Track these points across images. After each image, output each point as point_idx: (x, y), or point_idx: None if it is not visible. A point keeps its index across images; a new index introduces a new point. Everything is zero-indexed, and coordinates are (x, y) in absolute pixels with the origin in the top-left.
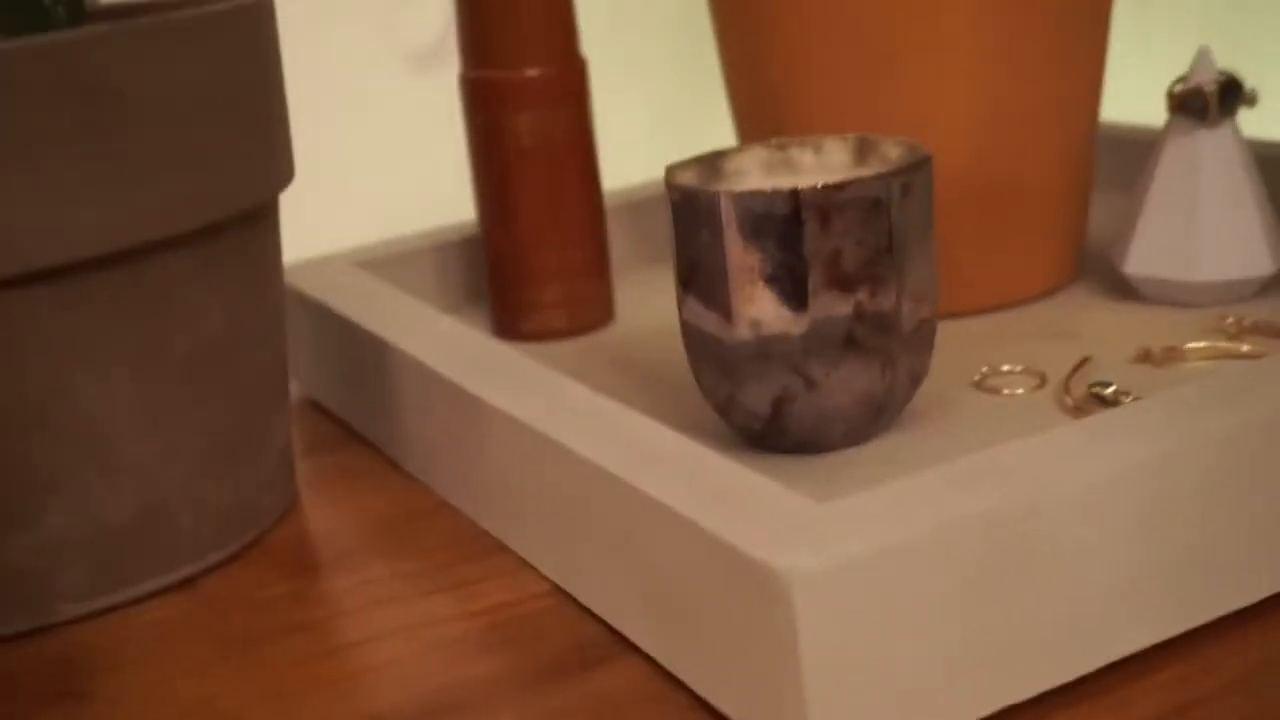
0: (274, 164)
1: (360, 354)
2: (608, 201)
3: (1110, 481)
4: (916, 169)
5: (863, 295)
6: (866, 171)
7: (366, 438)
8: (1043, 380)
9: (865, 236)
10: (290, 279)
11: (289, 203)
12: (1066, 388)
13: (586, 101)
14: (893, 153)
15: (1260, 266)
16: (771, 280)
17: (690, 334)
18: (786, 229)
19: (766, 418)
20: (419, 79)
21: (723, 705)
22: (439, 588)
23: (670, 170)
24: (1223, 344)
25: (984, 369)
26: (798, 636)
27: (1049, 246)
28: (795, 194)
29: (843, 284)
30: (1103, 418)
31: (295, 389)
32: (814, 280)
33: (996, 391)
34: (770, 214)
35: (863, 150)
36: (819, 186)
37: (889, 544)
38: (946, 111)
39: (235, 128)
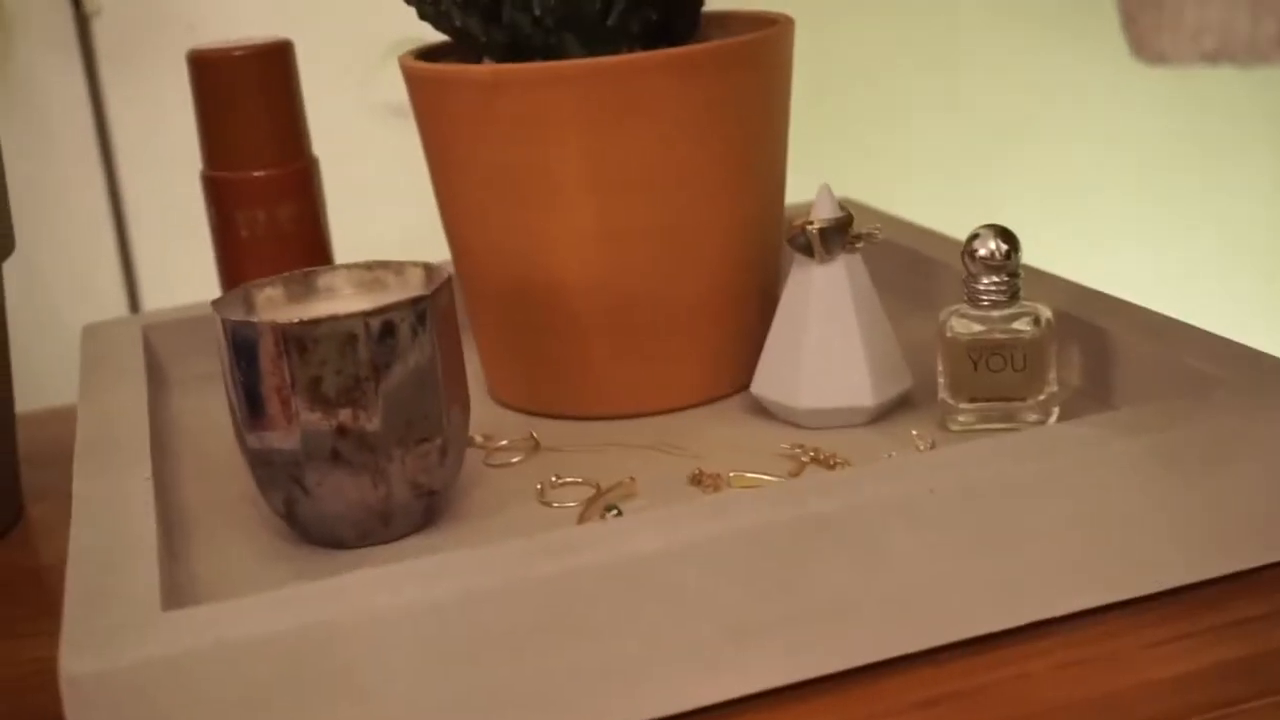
0: None
1: None
2: None
3: (402, 617)
4: (398, 309)
5: (345, 417)
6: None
7: None
8: (597, 493)
9: (343, 366)
10: (85, 334)
11: None
12: (585, 509)
13: (314, 196)
14: (435, 284)
15: (860, 398)
16: (267, 399)
17: (236, 432)
18: (274, 357)
19: (284, 515)
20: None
21: None
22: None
23: (250, 286)
24: (750, 475)
25: (553, 478)
26: None
27: (696, 359)
28: (276, 328)
29: (325, 406)
30: (438, 558)
31: None
32: (298, 402)
33: (549, 504)
34: (260, 343)
35: (429, 278)
36: (295, 322)
37: (170, 654)
38: (571, 231)
39: None
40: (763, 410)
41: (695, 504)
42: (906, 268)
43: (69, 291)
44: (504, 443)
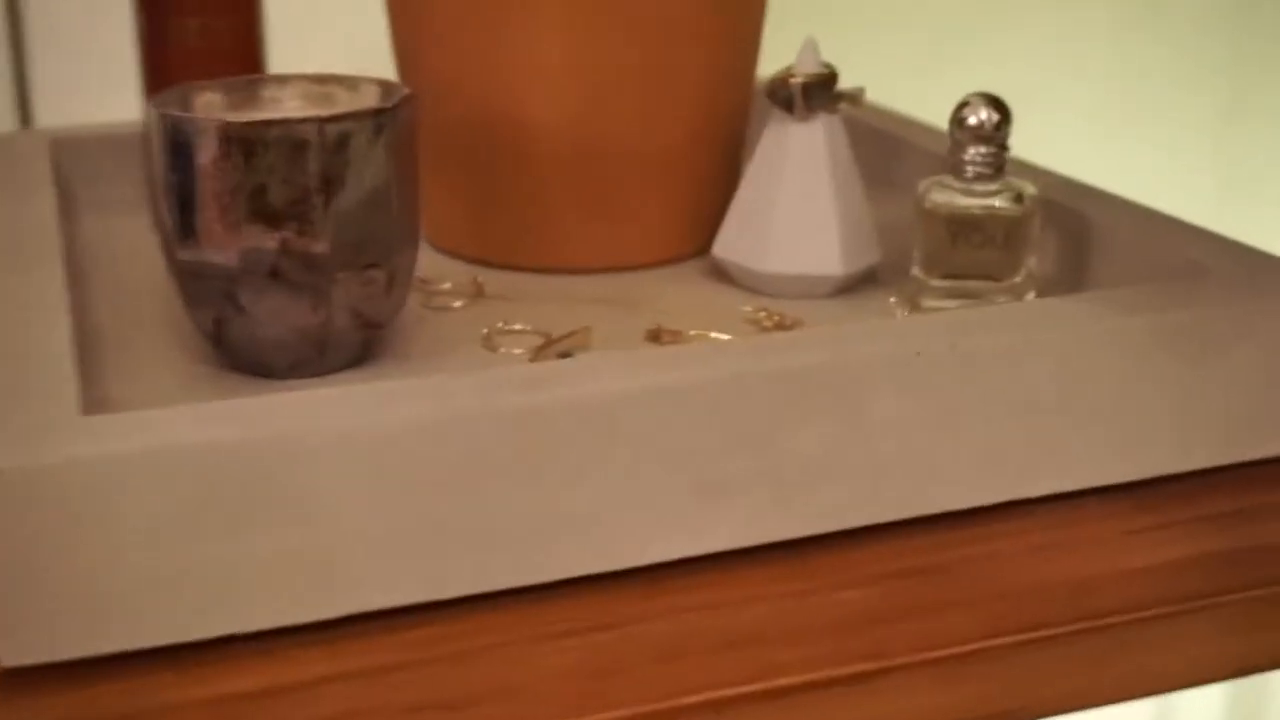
0: None
1: None
2: None
3: (352, 441)
4: (356, 118)
5: (289, 233)
6: None
7: None
8: (547, 341)
9: (291, 175)
10: None
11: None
12: (536, 354)
13: (253, 7)
14: (396, 98)
15: (829, 266)
16: (204, 207)
17: (164, 246)
18: (216, 158)
19: (212, 336)
20: None
21: None
22: None
23: (189, 87)
24: (713, 334)
25: (500, 324)
26: None
27: (658, 214)
28: (221, 126)
29: (268, 220)
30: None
31: None
32: (240, 212)
33: (495, 349)
34: (201, 142)
35: (387, 93)
36: (245, 122)
37: (95, 455)
38: (548, 67)
39: None
40: (725, 275)
41: (670, 350)
42: (872, 146)
43: None
44: (446, 286)
